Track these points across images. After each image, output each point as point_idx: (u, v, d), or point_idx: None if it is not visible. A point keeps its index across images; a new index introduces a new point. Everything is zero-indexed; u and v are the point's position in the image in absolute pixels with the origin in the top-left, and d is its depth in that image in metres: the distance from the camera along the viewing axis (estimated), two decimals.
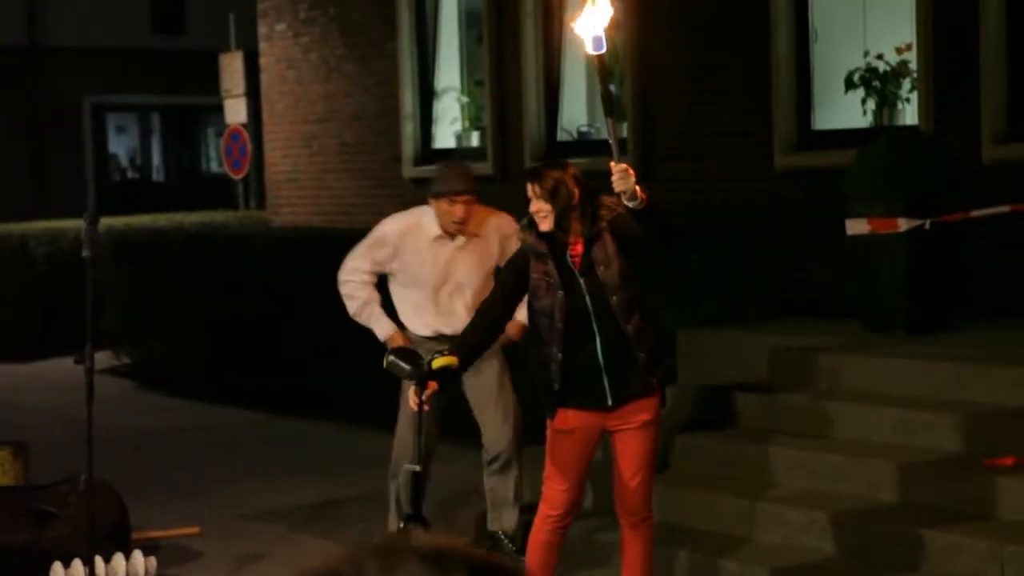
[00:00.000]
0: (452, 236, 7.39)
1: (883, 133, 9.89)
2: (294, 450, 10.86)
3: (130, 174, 27.34)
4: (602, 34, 5.78)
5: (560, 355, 6.10)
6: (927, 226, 8.53)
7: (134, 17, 25.02)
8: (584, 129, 12.96)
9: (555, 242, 6.13)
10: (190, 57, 23.30)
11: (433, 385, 6.21)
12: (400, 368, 6.28)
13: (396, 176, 14.26)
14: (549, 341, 6.14)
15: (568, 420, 6.19)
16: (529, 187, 6.17)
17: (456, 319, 7.28)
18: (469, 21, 14.03)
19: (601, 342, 6.08)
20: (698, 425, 8.25)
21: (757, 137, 10.91)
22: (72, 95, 24.55)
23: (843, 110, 10.79)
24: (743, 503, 7.32)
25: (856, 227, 8.78)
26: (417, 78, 14.20)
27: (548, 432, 6.31)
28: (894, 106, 10.60)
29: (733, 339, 9.00)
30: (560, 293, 6.08)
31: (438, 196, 7.38)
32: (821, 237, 9.94)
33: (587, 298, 6.08)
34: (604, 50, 5.82)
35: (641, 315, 6.13)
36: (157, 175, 27.43)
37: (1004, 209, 8.40)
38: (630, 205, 5.86)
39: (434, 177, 7.54)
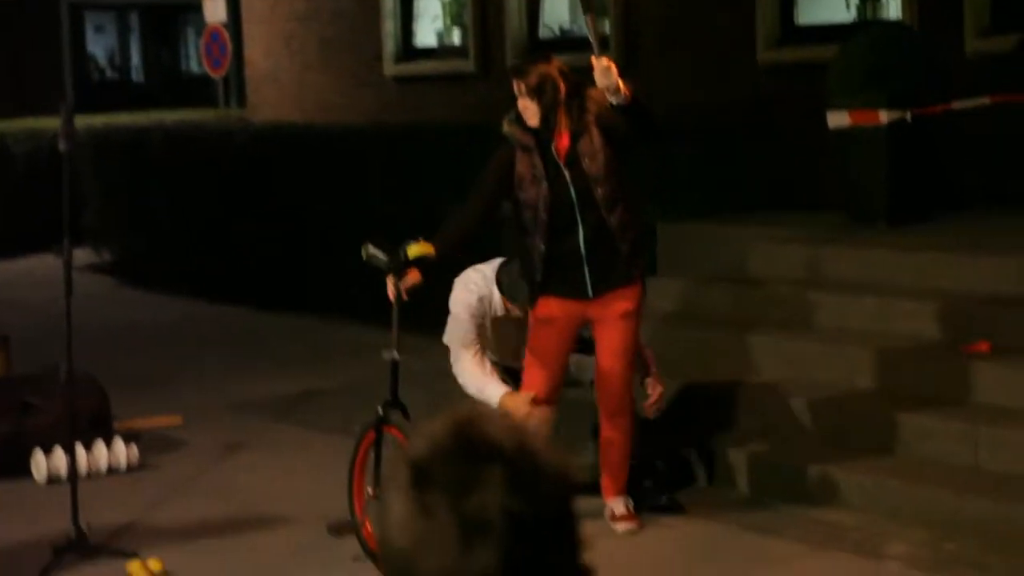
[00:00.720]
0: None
1: (866, 27, 9.84)
2: (275, 343, 10.89)
3: (109, 74, 27.13)
4: None
5: (543, 246, 6.12)
6: (908, 118, 8.52)
7: None
8: (567, 27, 12.88)
9: (541, 135, 6.13)
10: None
11: (413, 274, 6.20)
12: (378, 259, 6.25)
13: (377, 74, 14.17)
14: (532, 232, 6.16)
15: (549, 309, 6.21)
16: (515, 84, 6.16)
17: None
18: None
19: (584, 233, 6.10)
20: (678, 316, 8.28)
21: (740, 32, 10.85)
22: None
23: (826, 4, 10.74)
24: (722, 390, 7.37)
25: (837, 120, 8.77)
26: None
27: (530, 321, 6.34)
28: (878, 0, 10.54)
29: (714, 231, 9.01)
30: (545, 185, 6.10)
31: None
32: (804, 131, 9.92)
33: (572, 190, 6.10)
34: None
35: (625, 207, 6.16)
36: (136, 75, 27.22)
37: (985, 101, 8.38)
38: (613, 100, 5.89)
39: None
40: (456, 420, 1.51)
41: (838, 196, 9.08)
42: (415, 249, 6.10)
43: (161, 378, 9.84)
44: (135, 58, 27.32)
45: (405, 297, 6.20)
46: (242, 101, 17.00)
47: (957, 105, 8.54)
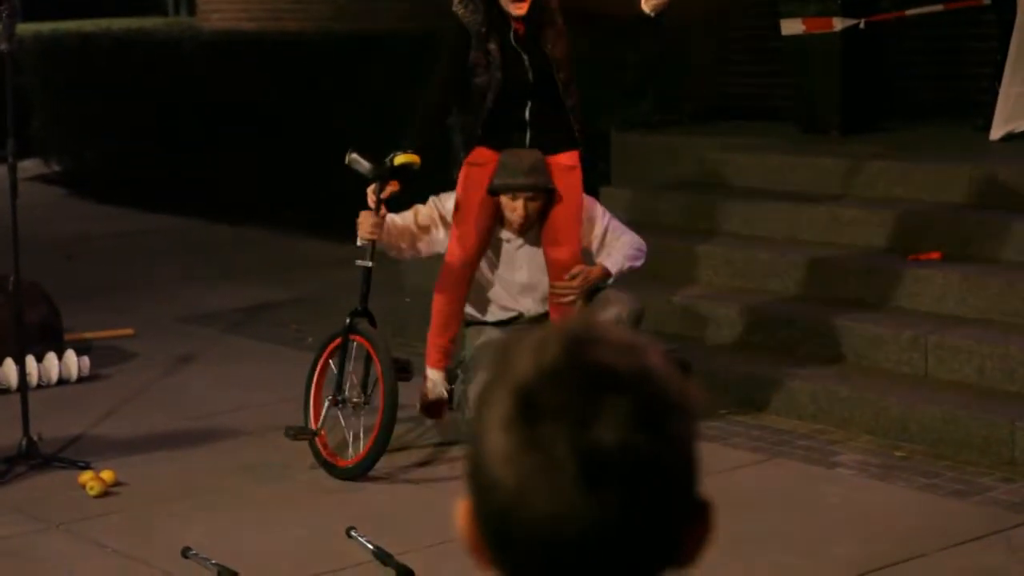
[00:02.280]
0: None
1: None
2: (227, 255, 10.83)
3: None
4: None
5: (481, 132, 6.09)
6: (862, 26, 8.50)
7: None
8: None
9: (493, 16, 5.94)
10: None
11: (394, 184, 6.04)
12: (360, 164, 6.10)
13: None
14: (477, 113, 6.09)
15: (483, 155, 6.10)
16: None
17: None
18: None
19: (532, 108, 6.02)
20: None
21: None
22: None
23: None
24: (673, 300, 7.39)
25: (791, 27, 8.74)
26: None
27: (461, 172, 6.20)
28: None
29: (666, 142, 9.00)
30: (498, 75, 5.96)
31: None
32: (757, 39, 9.88)
33: (530, 74, 5.98)
34: None
35: (576, 87, 6.10)
36: None
37: (938, 8, 8.37)
38: (647, 9, 5.80)
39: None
40: (569, 338, 1.30)
41: (791, 104, 9.07)
42: (402, 158, 5.94)
43: (112, 290, 9.78)
44: None
45: (384, 209, 6.07)
46: (192, 8, 16.79)
47: (910, 12, 8.52)
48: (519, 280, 6.25)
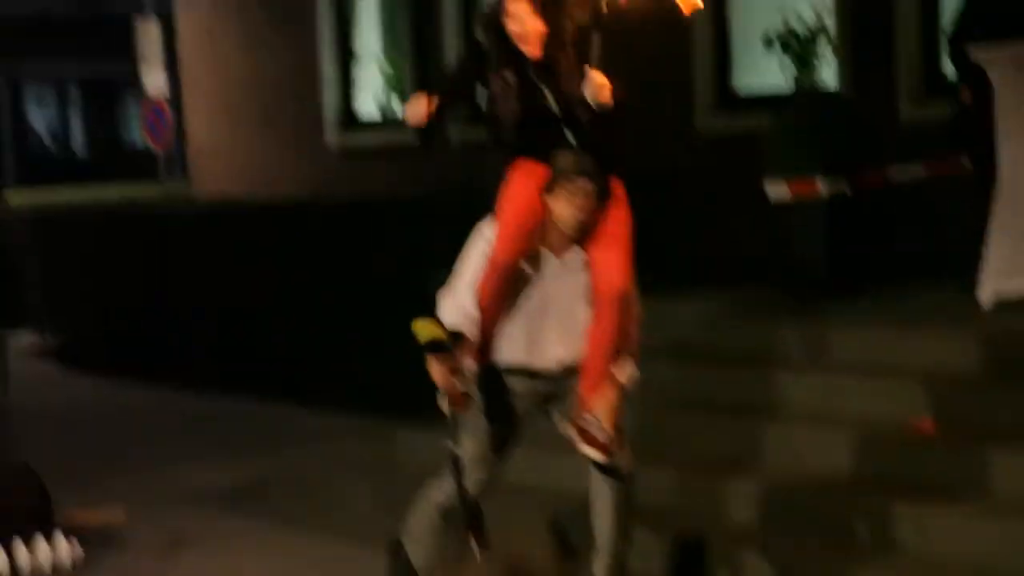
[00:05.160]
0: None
1: (799, 95, 9.92)
2: (218, 429, 10.78)
3: (51, 147, 27.01)
4: None
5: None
6: (847, 189, 8.56)
7: None
8: None
9: (513, 48, 5.75)
10: (107, 25, 22.99)
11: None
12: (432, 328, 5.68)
13: (319, 143, 14.17)
14: (509, 140, 5.82)
15: (528, 163, 5.77)
16: (512, 2, 5.69)
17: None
18: None
19: (569, 137, 5.72)
20: None
21: (677, 99, 10.90)
22: None
23: (763, 71, 10.81)
24: (671, 475, 7.33)
25: (777, 191, 8.80)
26: (337, 43, 14.11)
27: (509, 177, 5.86)
28: (813, 67, 10.63)
29: (652, 306, 8.96)
30: (515, 104, 5.73)
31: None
32: (742, 201, 9.95)
33: (555, 107, 5.69)
34: None
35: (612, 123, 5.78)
36: (78, 148, 27.11)
37: (919, 171, 8.44)
38: (592, 104, 5.60)
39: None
40: None
41: (777, 267, 9.09)
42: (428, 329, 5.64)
43: (105, 466, 9.72)
44: (76, 130, 27.22)
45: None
46: (185, 173, 16.94)
47: (893, 175, 8.59)
48: (556, 301, 5.79)
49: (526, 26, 5.70)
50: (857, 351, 7.69)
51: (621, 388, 5.80)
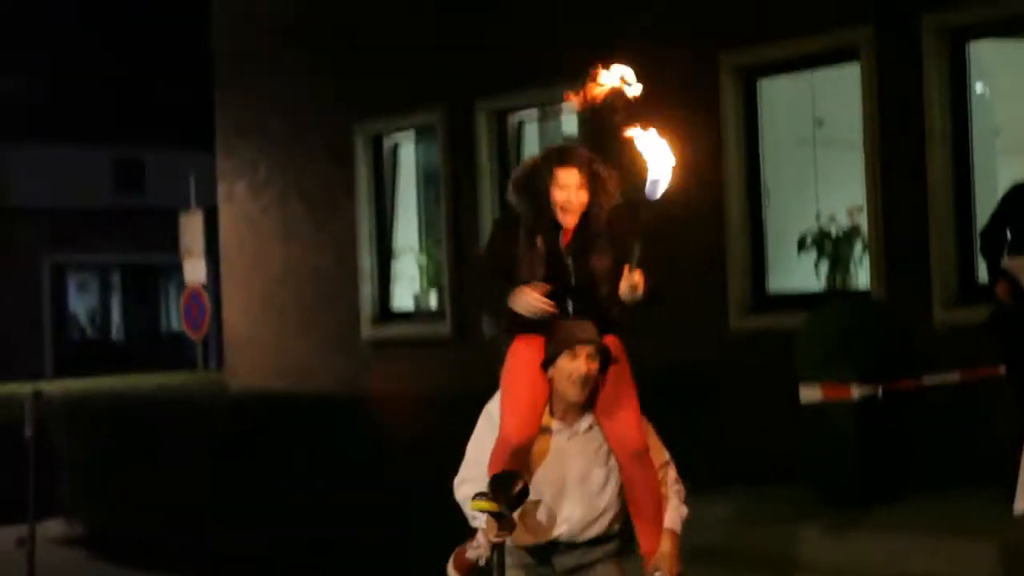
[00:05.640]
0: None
1: (833, 298, 9.91)
2: None
3: (89, 333, 27.27)
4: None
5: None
6: (879, 393, 8.49)
7: (96, 176, 25.12)
8: None
9: (547, 217, 5.70)
10: (151, 215, 23.38)
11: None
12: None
13: (354, 337, 14.21)
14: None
15: (528, 338, 5.69)
16: (564, 172, 5.67)
17: None
18: (427, 180, 14.09)
19: (574, 311, 5.65)
20: None
21: (712, 298, 10.90)
22: (31, 254, 24.54)
23: (797, 272, 10.82)
24: None
25: (810, 394, 8.74)
26: (375, 238, 14.23)
27: (508, 354, 5.78)
28: (847, 268, 10.63)
29: None
30: (541, 270, 5.65)
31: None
32: (774, 400, 9.89)
33: (573, 279, 5.66)
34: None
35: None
36: (117, 333, 27.36)
37: (955, 377, 8.37)
38: (627, 299, 5.59)
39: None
40: None
41: (808, 470, 8.98)
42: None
43: None
44: (116, 317, 27.50)
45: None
46: (221, 362, 17.01)
47: (928, 381, 8.52)
48: (573, 471, 5.69)
49: (572, 197, 5.70)
50: (884, 559, 7.55)
51: (675, 536, 5.75)
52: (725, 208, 10.86)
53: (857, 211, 10.46)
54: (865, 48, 10.01)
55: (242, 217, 15.66)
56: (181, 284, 19.16)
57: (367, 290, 14.18)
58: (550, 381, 5.65)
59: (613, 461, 5.73)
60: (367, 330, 14.09)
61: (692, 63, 10.92)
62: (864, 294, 10.16)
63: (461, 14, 13.00)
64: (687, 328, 10.95)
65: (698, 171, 10.99)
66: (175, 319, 26.02)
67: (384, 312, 14.11)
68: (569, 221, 5.71)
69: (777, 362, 9.84)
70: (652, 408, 9.26)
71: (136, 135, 25.07)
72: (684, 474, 9.15)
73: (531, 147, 12.65)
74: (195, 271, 17.30)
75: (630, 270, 5.56)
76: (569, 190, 5.68)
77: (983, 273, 8.93)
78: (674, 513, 5.80)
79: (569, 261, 5.70)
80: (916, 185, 9.73)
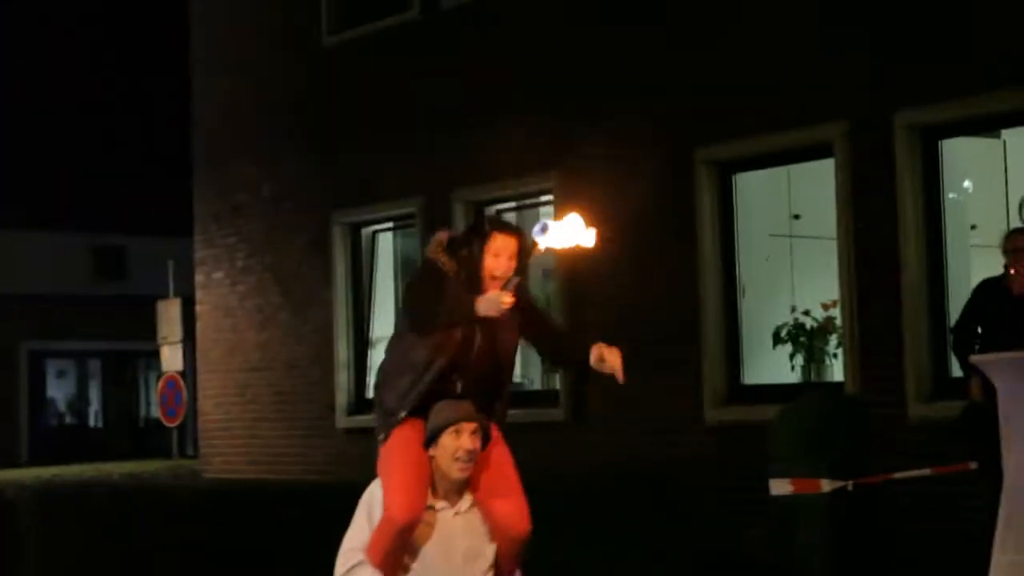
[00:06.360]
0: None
1: (805, 391, 9.90)
2: None
3: (67, 419, 27.14)
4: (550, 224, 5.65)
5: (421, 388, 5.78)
6: (850, 487, 8.44)
7: (75, 263, 25.10)
8: (517, 379, 12.92)
9: (475, 283, 5.73)
10: (130, 302, 23.33)
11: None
12: None
13: (329, 426, 14.14)
14: (415, 382, 5.78)
15: (414, 422, 5.74)
16: (504, 240, 5.75)
17: None
18: (404, 269, 14.10)
19: (462, 389, 5.77)
20: None
21: (685, 392, 10.88)
22: (9, 340, 24.47)
23: (772, 365, 10.81)
24: None
25: (780, 487, 8.68)
26: (352, 327, 14.20)
27: (389, 442, 5.78)
28: (822, 362, 10.63)
29: None
30: (457, 335, 5.71)
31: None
32: (747, 492, 9.84)
33: (473, 354, 5.73)
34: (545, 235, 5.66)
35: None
36: (94, 420, 27.22)
37: (926, 472, 8.33)
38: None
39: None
40: None
41: (779, 563, 8.92)
42: None
43: None
44: (94, 403, 27.38)
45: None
46: (196, 450, 16.91)
47: (899, 475, 8.48)
48: (461, 548, 5.73)
49: (503, 264, 5.73)
50: None
51: None
52: (701, 300, 10.87)
53: (832, 305, 10.48)
54: (839, 144, 10.07)
55: (219, 305, 15.63)
56: (160, 371, 19.09)
57: (343, 379, 14.13)
58: (432, 460, 5.69)
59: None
60: (342, 419, 14.03)
61: (669, 158, 10.97)
62: (837, 387, 10.15)
63: (438, 108, 13.07)
64: (662, 422, 10.92)
65: (674, 264, 11.04)
66: (154, 406, 25.91)
67: (360, 401, 14.05)
68: (492, 289, 5.72)
69: (749, 453, 9.82)
70: (622, 504, 9.26)
71: (116, 221, 25.10)
72: (652, 569, 9.13)
73: None
74: (172, 359, 17.23)
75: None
76: (501, 258, 5.72)
77: (956, 368, 8.93)
78: None
79: (478, 335, 5.72)
80: (890, 280, 9.75)
